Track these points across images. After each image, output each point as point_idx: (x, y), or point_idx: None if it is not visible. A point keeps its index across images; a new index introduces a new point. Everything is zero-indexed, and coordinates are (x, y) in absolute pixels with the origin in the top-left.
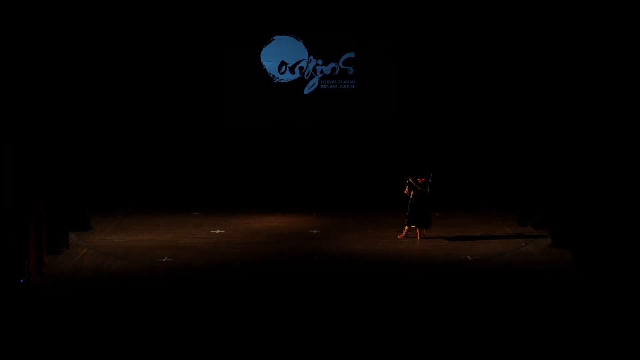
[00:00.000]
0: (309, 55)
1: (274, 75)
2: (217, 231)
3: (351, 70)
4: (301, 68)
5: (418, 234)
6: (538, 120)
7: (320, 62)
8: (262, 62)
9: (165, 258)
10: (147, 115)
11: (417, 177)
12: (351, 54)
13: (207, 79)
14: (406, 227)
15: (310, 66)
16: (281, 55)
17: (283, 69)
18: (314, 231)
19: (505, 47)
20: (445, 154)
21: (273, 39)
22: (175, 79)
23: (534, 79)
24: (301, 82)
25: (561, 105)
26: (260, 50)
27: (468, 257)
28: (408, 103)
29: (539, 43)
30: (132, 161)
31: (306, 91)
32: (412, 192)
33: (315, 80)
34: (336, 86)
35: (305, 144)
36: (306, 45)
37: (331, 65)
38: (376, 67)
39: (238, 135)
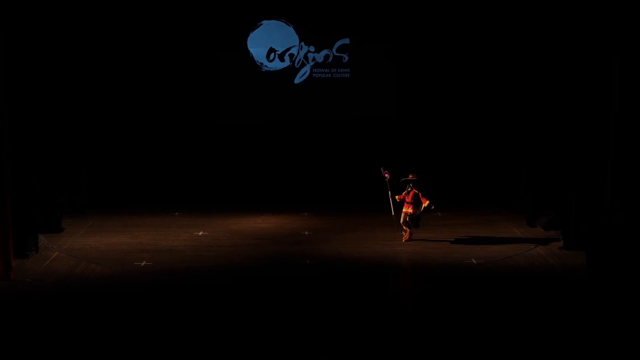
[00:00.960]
0: (299, 42)
1: (261, 64)
2: (201, 233)
3: (346, 58)
4: (291, 55)
5: (408, 236)
6: (548, 115)
7: (312, 49)
8: (249, 49)
9: (144, 262)
10: (124, 110)
11: (410, 174)
12: (346, 40)
13: (189, 71)
14: (408, 230)
15: (302, 53)
16: (269, 42)
17: (272, 56)
18: (306, 233)
19: (513, 42)
20: (449, 150)
21: (261, 24)
22: (156, 71)
23: (547, 70)
24: (291, 70)
25: (572, 99)
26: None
27: (472, 260)
28: (409, 95)
29: (546, 38)
30: (107, 158)
31: (297, 80)
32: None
33: (306, 69)
34: (329, 75)
35: (296, 141)
36: (297, 31)
37: (324, 52)
38: (373, 54)
39: (223, 132)
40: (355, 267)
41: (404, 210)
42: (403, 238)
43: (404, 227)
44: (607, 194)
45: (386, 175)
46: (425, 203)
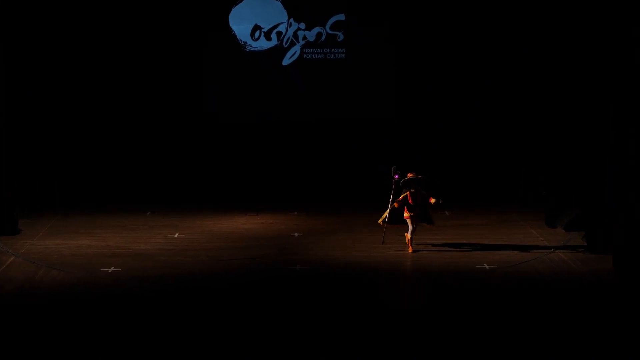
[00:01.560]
0: (288, 18)
1: (245, 43)
2: (176, 235)
3: (341, 37)
4: (279, 33)
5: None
6: (549, 114)
7: (302, 26)
8: (231, 26)
9: (112, 268)
10: (87, 100)
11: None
12: (341, 16)
13: (162, 55)
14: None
15: (291, 31)
16: (254, 18)
17: (257, 34)
18: (295, 234)
19: (513, 42)
20: (449, 150)
21: None
22: (125, 57)
23: (547, 70)
24: (279, 50)
25: (573, 98)
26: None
27: (485, 265)
28: (409, 95)
29: (546, 38)
30: (71, 153)
31: (285, 62)
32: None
33: (296, 49)
34: (322, 55)
35: (284, 132)
36: (285, 5)
37: (316, 30)
38: (371, 32)
39: (202, 123)
40: (351, 273)
41: (406, 215)
42: (408, 249)
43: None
44: (634, 191)
45: (395, 177)
46: (432, 201)
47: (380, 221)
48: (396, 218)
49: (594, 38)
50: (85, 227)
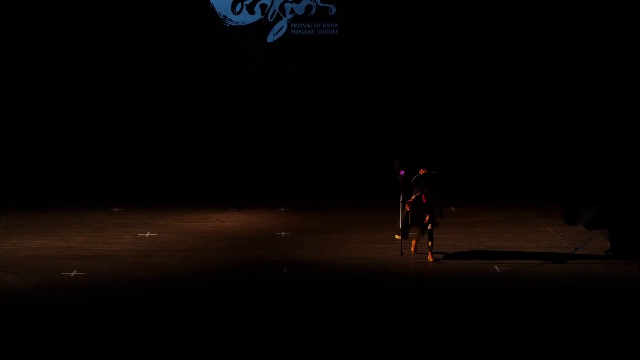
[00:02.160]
0: None
1: (225, 17)
2: (147, 234)
3: (333, 10)
4: (263, 6)
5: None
6: (549, 113)
7: None
8: None
9: (74, 272)
10: (44, 86)
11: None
12: None
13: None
14: (414, 241)
15: (276, 4)
16: None
17: (238, 7)
18: (282, 234)
19: (512, 41)
20: (458, 142)
21: None
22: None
23: (547, 69)
24: (264, 25)
25: (572, 98)
26: None
27: (496, 267)
28: (409, 95)
29: (545, 37)
30: (29, 141)
31: (271, 38)
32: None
33: (283, 24)
34: (312, 31)
35: (268, 117)
36: None
37: (305, 2)
38: (367, 4)
39: (175, 108)
40: (345, 277)
41: (427, 220)
42: (428, 257)
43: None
44: None
45: (401, 173)
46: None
47: (397, 235)
48: (413, 222)
49: (593, 38)
50: (44, 226)
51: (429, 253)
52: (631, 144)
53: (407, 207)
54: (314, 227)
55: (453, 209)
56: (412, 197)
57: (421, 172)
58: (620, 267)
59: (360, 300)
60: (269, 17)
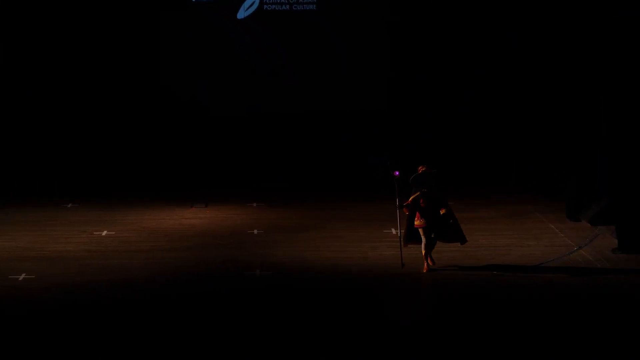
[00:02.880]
0: None
1: None
2: (104, 232)
3: None
4: None
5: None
6: (560, 98)
7: None
8: None
9: (23, 275)
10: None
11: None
12: None
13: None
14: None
15: None
16: None
17: None
18: (255, 232)
19: (504, 33)
20: (450, 134)
21: None
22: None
23: (539, 62)
24: (233, 0)
25: (564, 90)
26: None
27: (494, 273)
28: (400, 87)
29: (537, 30)
30: None
31: (241, 15)
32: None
33: None
34: (287, 7)
35: (241, 106)
36: None
37: None
38: None
39: (135, 98)
40: (325, 280)
41: (418, 224)
42: (424, 267)
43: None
44: None
45: (396, 174)
46: (442, 211)
47: (409, 244)
48: (417, 233)
49: (582, 25)
50: None
51: (424, 262)
52: (624, 136)
53: (405, 211)
54: (291, 224)
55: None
56: (410, 199)
57: (420, 169)
58: (628, 265)
59: (341, 304)
60: None
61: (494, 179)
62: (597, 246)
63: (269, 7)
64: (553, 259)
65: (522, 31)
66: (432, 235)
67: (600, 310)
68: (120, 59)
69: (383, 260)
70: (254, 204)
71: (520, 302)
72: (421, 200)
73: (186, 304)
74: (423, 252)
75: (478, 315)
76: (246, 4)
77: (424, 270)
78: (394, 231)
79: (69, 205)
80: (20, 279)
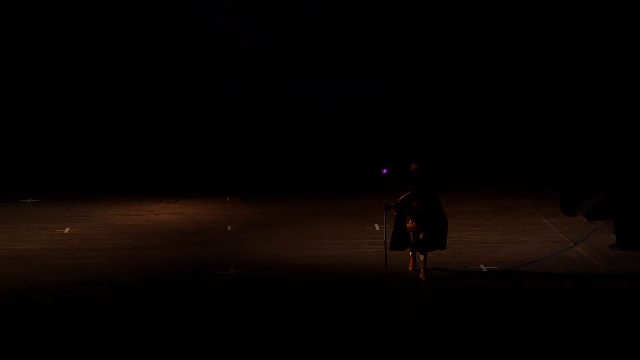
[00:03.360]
0: None
1: None
2: (67, 230)
3: None
4: None
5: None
6: (556, 92)
7: None
8: None
9: None
10: None
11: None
12: None
13: None
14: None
15: None
16: None
17: None
18: (229, 228)
19: (500, 29)
20: (446, 129)
21: None
22: None
23: (535, 58)
24: None
25: (560, 85)
26: None
27: (481, 266)
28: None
29: (533, 25)
30: None
31: None
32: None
33: None
34: None
35: (217, 89)
36: None
37: None
38: None
39: (95, 82)
40: (304, 280)
41: (410, 226)
42: (420, 274)
43: (418, 258)
44: None
45: (384, 171)
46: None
47: (389, 249)
48: (406, 238)
49: (577, 18)
50: None
51: (422, 269)
52: (621, 128)
53: (394, 212)
54: (267, 219)
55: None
56: (401, 198)
57: (413, 167)
58: (627, 263)
59: (327, 309)
60: None
61: (491, 173)
62: (594, 242)
63: None
64: (547, 256)
65: (518, 25)
66: (423, 238)
67: (599, 311)
68: (83, 47)
69: (365, 259)
70: (228, 198)
71: (509, 302)
72: (415, 202)
73: (154, 309)
74: (411, 252)
75: (462, 314)
76: None
77: (422, 279)
78: (377, 227)
79: (29, 201)
80: None
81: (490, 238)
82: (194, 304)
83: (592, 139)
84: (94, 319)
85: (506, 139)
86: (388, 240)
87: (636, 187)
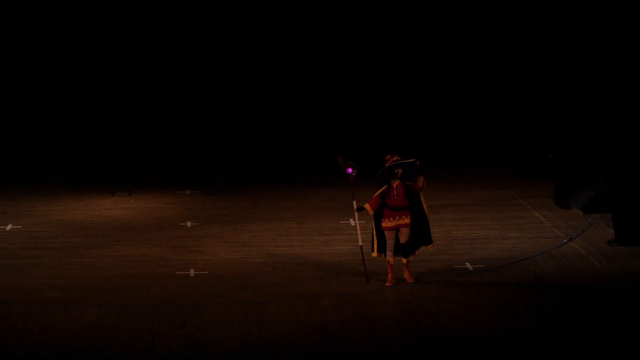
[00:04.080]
0: None
1: None
2: (9, 227)
3: None
4: None
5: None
6: (556, 92)
7: None
8: None
9: None
10: None
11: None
12: None
13: None
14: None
15: None
16: None
17: None
18: (188, 224)
19: (500, 30)
20: (445, 128)
21: None
22: None
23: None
24: None
25: (560, 84)
26: None
27: (467, 265)
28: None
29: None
30: None
31: None
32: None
33: None
34: None
35: (165, 67)
36: None
37: None
38: None
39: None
40: (269, 284)
41: (387, 225)
42: (405, 275)
43: (390, 262)
44: None
45: (349, 170)
46: (421, 183)
47: (374, 254)
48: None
49: (580, 24)
50: None
51: (406, 270)
52: (620, 123)
53: (370, 210)
54: (230, 214)
55: None
56: (376, 194)
57: (390, 161)
58: (627, 260)
59: (294, 311)
60: None
61: (526, 141)
62: (591, 237)
63: None
64: (539, 253)
65: (518, 24)
66: (404, 241)
67: (598, 311)
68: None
69: (342, 258)
70: (187, 191)
71: (503, 300)
72: (389, 195)
73: (108, 318)
74: (389, 260)
75: (450, 314)
76: None
77: (388, 284)
78: (352, 222)
79: None
80: None
81: (476, 234)
82: (148, 307)
83: (590, 125)
84: (37, 328)
85: (506, 137)
86: (366, 246)
87: (637, 177)
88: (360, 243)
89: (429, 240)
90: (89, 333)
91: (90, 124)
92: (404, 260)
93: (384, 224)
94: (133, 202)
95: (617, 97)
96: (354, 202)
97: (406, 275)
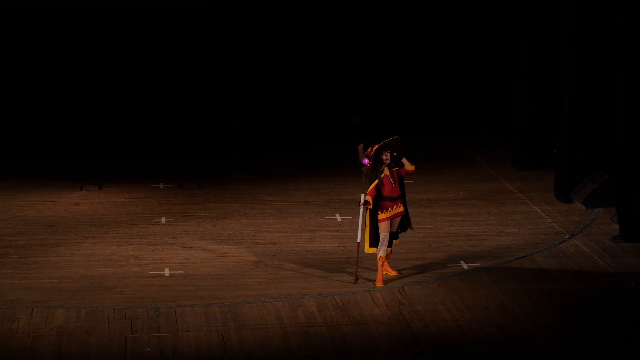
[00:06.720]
0: None
1: None
2: None
3: None
4: None
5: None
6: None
7: None
8: None
9: None
10: None
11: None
12: None
13: None
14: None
15: None
16: None
17: None
18: (163, 220)
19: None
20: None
21: None
22: None
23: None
24: None
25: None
26: None
27: (461, 263)
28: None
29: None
30: None
31: None
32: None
33: None
34: None
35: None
36: None
37: None
38: None
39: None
40: (251, 280)
41: (384, 216)
42: (377, 281)
43: (383, 259)
44: None
45: (365, 161)
46: (411, 168)
47: (367, 249)
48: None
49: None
50: None
51: (386, 264)
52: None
53: (369, 200)
54: (209, 209)
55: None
56: (371, 187)
57: (370, 150)
58: (632, 257)
59: (275, 315)
60: None
61: (524, 128)
62: (594, 233)
63: None
64: (539, 250)
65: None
66: (395, 229)
67: (596, 311)
68: None
69: (326, 256)
70: (161, 185)
71: (502, 303)
72: (384, 184)
73: (76, 321)
74: (381, 256)
75: (443, 317)
76: None
77: (378, 283)
78: (339, 218)
79: None
80: None
81: (471, 229)
82: (120, 311)
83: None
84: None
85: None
86: (363, 243)
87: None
88: (359, 240)
89: (409, 222)
90: (56, 337)
91: (56, 106)
92: (388, 251)
93: (381, 216)
94: (103, 196)
95: (624, 88)
96: (362, 195)
97: (388, 270)
